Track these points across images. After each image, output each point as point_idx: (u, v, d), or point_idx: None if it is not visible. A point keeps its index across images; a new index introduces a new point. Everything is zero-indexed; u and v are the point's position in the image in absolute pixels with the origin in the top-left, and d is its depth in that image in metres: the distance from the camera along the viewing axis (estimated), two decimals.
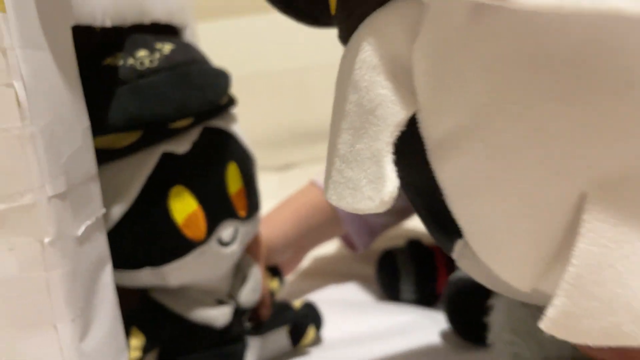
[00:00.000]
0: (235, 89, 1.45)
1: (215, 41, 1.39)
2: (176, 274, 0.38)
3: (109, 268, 0.32)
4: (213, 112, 0.39)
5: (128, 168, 0.35)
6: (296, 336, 0.47)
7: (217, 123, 0.40)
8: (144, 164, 0.36)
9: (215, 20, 1.43)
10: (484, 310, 0.36)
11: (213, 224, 0.38)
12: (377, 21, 0.23)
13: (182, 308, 0.40)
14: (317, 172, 0.60)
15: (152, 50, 0.37)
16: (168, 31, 0.49)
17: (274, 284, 0.50)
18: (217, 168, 0.39)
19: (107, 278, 0.32)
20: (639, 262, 0.19)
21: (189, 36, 0.52)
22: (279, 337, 0.46)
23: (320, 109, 1.18)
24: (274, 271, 0.52)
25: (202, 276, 0.40)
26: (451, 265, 0.57)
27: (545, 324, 0.21)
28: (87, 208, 0.30)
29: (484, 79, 0.21)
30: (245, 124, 1.32)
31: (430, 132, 0.24)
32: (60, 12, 0.29)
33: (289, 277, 0.61)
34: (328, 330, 0.51)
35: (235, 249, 0.40)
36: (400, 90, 0.23)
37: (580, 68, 0.19)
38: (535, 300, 0.25)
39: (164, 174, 0.36)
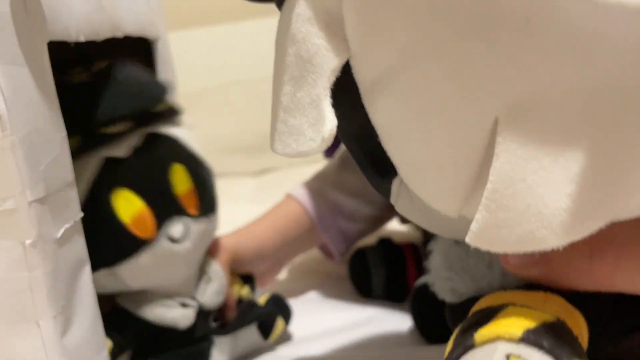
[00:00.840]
0: (213, 96, 1.45)
1: (192, 49, 1.41)
2: (132, 274, 0.40)
3: (87, 269, 0.34)
4: (153, 119, 0.42)
5: None
6: (266, 331, 0.48)
7: (159, 129, 0.42)
8: (86, 170, 0.38)
9: (191, 29, 1.44)
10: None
11: (161, 221, 0.40)
12: None
13: (146, 312, 0.42)
14: (293, 185, 0.62)
15: (87, 67, 0.40)
16: (140, 43, 0.51)
17: (244, 290, 0.52)
18: (160, 168, 0.41)
19: (87, 278, 0.34)
20: (546, 176, 0.21)
21: (161, 48, 0.53)
22: (249, 334, 0.47)
23: None
24: (247, 278, 0.53)
25: (160, 277, 0.42)
26: (420, 262, 0.59)
27: (470, 237, 0.23)
28: (65, 212, 0.32)
29: (406, 22, 0.23)
30: (222, 130, 1.33)
31: (362, 76, 0.26)
32: (37, 29, 0.31)
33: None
34: (298, 327, 0.53)
35: (188, 246, 0.41)
36: (333, 39, 0.25)
37: (483, 7, 0.21)
38: (463, 233, 0.28)
39: (107, 178, 0.38)
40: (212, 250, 0.49)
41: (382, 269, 0.58)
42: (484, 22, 0.21)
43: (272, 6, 0.30)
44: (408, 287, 0.57)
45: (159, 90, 0.43)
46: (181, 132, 0.44)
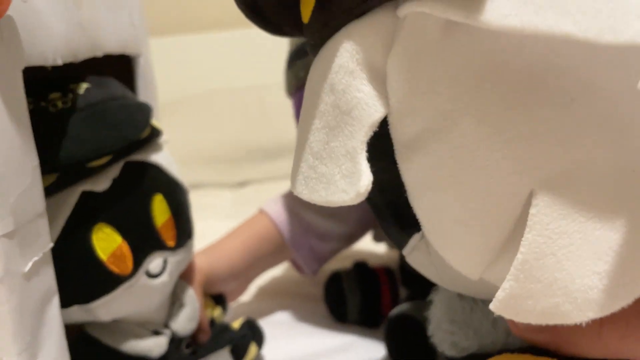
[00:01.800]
0: (193, 106, 1.44)
1: (174, 57, 1.40)
2: (106, 309, 0.39)
3: (56, 300, 0.33)
4: (133, 147, 0.40)
5: (47, 210, 0.34)
6: (239, 355, 0.48)
7: (139, 157, 0.40)
8: (63, 205, 0.36)
9: (174, 36, 1.43)
10: (423, 348, 0.39)
11: (140, 257, 0.39)
12: (355, 30, 0.25)
13: (116, 341, 0.40)
14: (267, 200, 0.61)
15: (65, 91, 0.38)
16: (120, 61, 0.50)
17: (217, 312, 0.51)
18: (140, 202, 0.40)
19: (54, 310, 0.33)
20: (576, 251, 0.22)
21: (142, 64, 0.53)
22: (222, 359, 0.47)
23: (277, 126, 1.19)
24: (218, 299, 0.53)
25: (134, 309, 0.41)
26: (394, 288, 0.59)
27: (495, 305, 0.23)
28: (35, 244, 0.31)
29: (451, 87, 0.23)
30: (202, 140, 1.32)
31: (399, 134, 0.26)
32: (12, 57, 0.30)
33: (239, 298, 0.62)
34: (271, 351, 0.52)
35: (165, 280, 0.41)
36: (375, 94, 0.25)
37: (532, 82, 0.22)
38: (475, 290, 0.28)
39: (85, 213, 0.37)
40: (185, 273, 0.48)
41: (357, 294, 0.58)
42: (530, 96, 0.22)
43: None
44: (383, 313, 0.57)
45: (144, 117, 0.41)
46: (161, 156, 0.43)
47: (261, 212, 0.60)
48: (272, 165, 1.19)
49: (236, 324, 0.51)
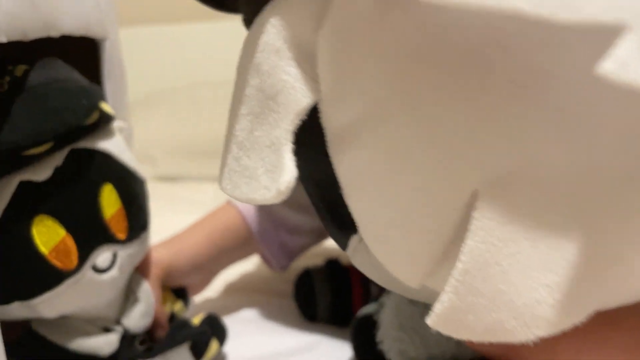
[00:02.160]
0: (178, 95, 1.42)
1: (159, 47, 1.37)
2: (49, 305, 0.37)
3: None
4: (78, 134, 0.37)
5: None
6: (198, 352, 0.46)
7: (86, 144, 0.38)
8: None
9: (161, 25, 1.41)
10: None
11: (85, 251, 0.37)
12: (283, 3, 0.23)
13: (64, 339, 0.38)
14: None
15: (1, 74, 0.35)
16: (83, 43, 0.48)
17: (177, 306, 0.49)
18: (86, 192, 0.37)
19: None
20: (524, 260, 0.19)
21: (109, 48, 0.51)
22: (181, 355, 0.45)
23: None
24: (179, 292, 0.51)
25: (80, 305, 0.39)
26: (366, 286, 0.58)
27: (432, 320, 0.21)
28: None
29: (384, 70, 0.20)
30: (188, 132, 1.30)
31: (330, 122, 0.23)
32: None
33: (205, 294, 0.60)
34: (235, 349, 0.51)
35: (114, 274, 0.39)
36: (303, 77, 0.22)
37: (475, 65, 0.19)
38: (423, 297, 0.25)
39: (23, 204, 0.34)
40: (141, 266, 0.46)
41: (328, 293, 0.56)
42: (472, 81, 0.19)
43: None
44: (354, 311, 0.56)
45: (90, 102, 0.38)
46: (112, 143, 0.40)
47: (228, 202, 0.58)
48: None
49: (197, 320, 0.49)
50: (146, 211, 0.43)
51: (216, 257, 0.55)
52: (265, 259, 0.60)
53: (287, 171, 0.22)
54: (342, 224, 0.26)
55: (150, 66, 1.34)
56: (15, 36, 0.34)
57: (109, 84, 0.50)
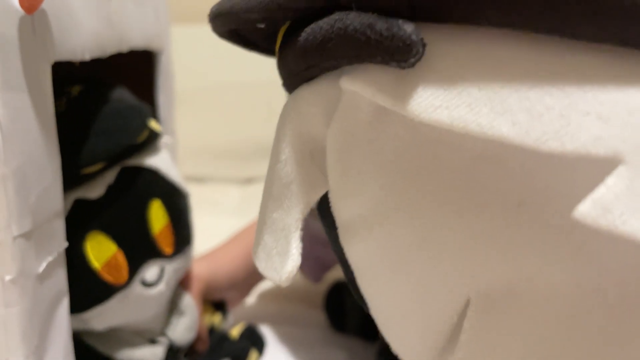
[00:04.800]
0: (202, 99, 1.41)
1: (188, 47, 1.37)
2: (100, 318, 0.38)
3: (65, 302, 0.32)
4: (129, 152, 0.39)
5: None
6: None
7: (135, 161, 0.39)
8: None
9: (187, 26, 1.40)
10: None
11: (135, 266, 0.38)
12: (302, 96, 0.23)
13: (112, 350, 0.40)
14: None
15: (59, 93, 0.36)
16: (144, 56, 0.49)
17: (216, 319, 0.50)
18: (136, 208, 0.39)
19: (64, 311, 0.32)
20: None
21: (164, 61, 0.52)
22: None
23: None
24: (218, 306, 0.52)
25: (129, 318, 0.40)
26: None
27: None
28: (50, 244, 0.30)
29: (382, 176, 0.21)
30: (211, 134, 1.30)
31: (337, 213, 0.24)
32: (43, 51, 0.29)
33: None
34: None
35: (162, 288, 0.40)
36: (313, 171, 0.23)
37: (470, 181, 0.19)
38: None
39: (78, 221, 0.36)
40: (184, 281, 0.47)
41: (357, 308, 0.57)
42: (467, 197, 0.19)
43: None
44: None
45: (140, 122, 0.39)
46: (159, 160, 0.42)
47: None
48: None
49: (235, 331, 0.50)
50: (190, 226, 0.44)
51: (254, 272, 0.55)
52: (301, 270, 0.61)
53: (291, 260, 0.22)
54: (360, 295, 0.26)
55: (177, 66, 1.34)
56: (97, 53, 0.35)
57: (162, 96, 0.51)
